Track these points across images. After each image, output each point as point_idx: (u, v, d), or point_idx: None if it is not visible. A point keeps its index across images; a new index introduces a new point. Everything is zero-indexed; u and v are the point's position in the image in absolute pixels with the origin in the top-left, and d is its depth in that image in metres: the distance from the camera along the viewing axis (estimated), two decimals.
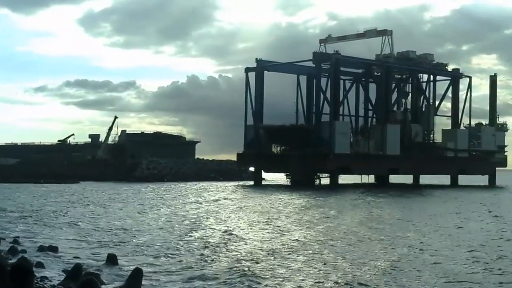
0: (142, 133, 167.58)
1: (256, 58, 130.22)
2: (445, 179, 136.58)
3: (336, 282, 22.92)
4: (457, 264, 27.59)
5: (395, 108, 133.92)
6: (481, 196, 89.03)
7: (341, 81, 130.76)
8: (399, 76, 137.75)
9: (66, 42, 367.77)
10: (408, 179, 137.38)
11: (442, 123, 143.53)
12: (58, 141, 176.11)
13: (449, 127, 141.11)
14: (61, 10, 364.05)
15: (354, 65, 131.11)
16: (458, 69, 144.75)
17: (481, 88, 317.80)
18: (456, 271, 25.79)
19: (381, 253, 30.13)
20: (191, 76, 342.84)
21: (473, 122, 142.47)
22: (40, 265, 23.36)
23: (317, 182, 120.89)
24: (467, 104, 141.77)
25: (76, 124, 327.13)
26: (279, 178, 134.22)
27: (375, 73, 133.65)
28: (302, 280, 23.44)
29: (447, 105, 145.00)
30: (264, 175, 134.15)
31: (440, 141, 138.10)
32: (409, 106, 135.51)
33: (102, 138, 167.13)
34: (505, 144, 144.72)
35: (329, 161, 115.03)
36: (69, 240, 34.01)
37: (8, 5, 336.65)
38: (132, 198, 76.63)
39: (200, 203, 66.78)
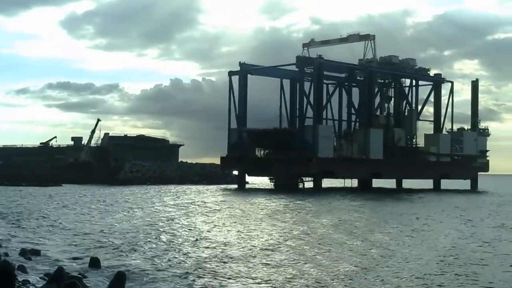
0: (125, 136, 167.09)
1: (240, 62, 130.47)
2: (428, 184, 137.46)
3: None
4: (426, 267, 27.94)
5: (378, 113, 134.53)
6: (461, 200, 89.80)
7: (324, 85, 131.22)
8: (382, 81, 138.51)
9: (48, 44, 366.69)
10: (391, 183, 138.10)
11: (424, 127, 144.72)
12: (40, 143, 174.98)
13: (432, 132, 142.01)
14: (43, 12, 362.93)
15: (337, 69, 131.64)
16: (440, 74, 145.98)
17: (463, 93, 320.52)
18: (425, 273, 26.10)
19: (349, 256, 30.48)
20: (175, 79, 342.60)
21: (455, 127, 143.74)
22: (22, 268, 23.26)
23: (300, 185, 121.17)
24: (449, 109, 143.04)
25: (58, 126, 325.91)
26: (263, 181, 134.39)
27: (358, 78, 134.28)
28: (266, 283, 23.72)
29: (429, 109, 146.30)
30: (248, 178, 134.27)
31: (423, 145, 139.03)
32: (392, 111, 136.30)
33: (84, 141, 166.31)
34: (487, 149, 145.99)
35: (313, 164, 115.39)
36: (52, 244, 33.91)
37: None
38: (114, 201, 76.32)
39: (181, 206, 66.70)
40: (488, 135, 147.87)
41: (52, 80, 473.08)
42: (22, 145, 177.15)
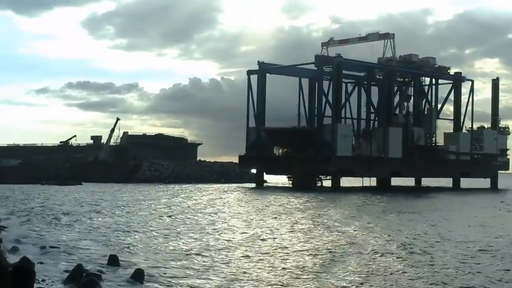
0: (144, 135, 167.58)
1: (258, 61, 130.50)
2: (447, 182, 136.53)
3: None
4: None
5: (397, 111, 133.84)
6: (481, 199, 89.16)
7: (343, 84, 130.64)
8: (401, 80, 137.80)
9: (69, 44, 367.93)
10: (410, 182, 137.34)
11: (444, 126, 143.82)
12: (60, 142, 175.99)
13: (451, 131, 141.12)
14: (64, 13, 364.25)
15: (356, 68, 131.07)
16: (460, 73, 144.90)
17: (484, 92, 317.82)
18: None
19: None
20: (194, 79, 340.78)
21: (475, 126, 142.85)
22: (42, 265, 23.42)
23: (319, 184, 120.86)
24: (469, 108, 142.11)
25: (78, 125, 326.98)
26: (281, 180, 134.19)
27: (377, 77, 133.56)
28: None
29: (449, 108, 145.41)
30: (266, 177, 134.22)
31: (442, 144, 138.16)
32: (411, 110, 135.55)
33: (104, 140, 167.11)
34: (507, 147, 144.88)
35: (331, 163, 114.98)
36: (71, 241, 34.05)
37: (11, 7, 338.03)
38: (133, 199, 76.60)
39: (200, 206, 66.81)
40: (509, 133, 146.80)
41: (72, 80, 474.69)
42: (42, 144, 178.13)
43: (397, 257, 29.62)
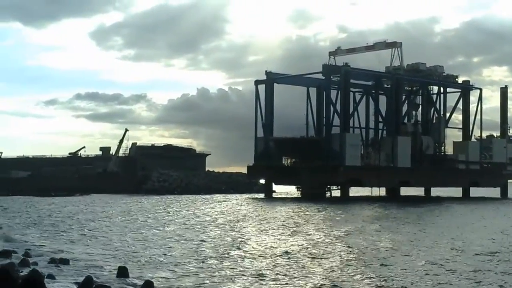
0: (153, 145, 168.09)
1: (266, 71, 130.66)
2: (457, 192, 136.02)
3: None
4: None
5: (405, 120, 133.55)
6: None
7: (351, 93, 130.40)
8: (409, 88, 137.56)
9: (77, 55, 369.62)
10: (419, 191, 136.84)
11: (453, 135, 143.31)
12: (69, 154, 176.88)
13: (460, 139, 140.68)
14: (72, 24, 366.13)
15: (364, 77, 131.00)
16: (468, 81, 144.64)
17: (492, 100, 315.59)
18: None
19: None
20: (201, 89, 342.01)
21: (484, 134, 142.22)
22: (51, 277, 23.45)
23: (327, 194, 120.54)
24: (478, 116, 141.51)
25: (87, 137, 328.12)
26: (290, 190, 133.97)
27: (385, 85, 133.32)
28: None
29: (458, 117, 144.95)
30: (275, 187, 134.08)
31: (451, 153, 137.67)
32: (419, 118, 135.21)
33: (113, 151, 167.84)
34: None
35: (340, 173, 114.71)
36: (80, 253, 34.08)
37: (20, 19, 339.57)
38: (142, 210, 76.66)
39: (208, 216, 66.79)
40: None
41: (80, 91, 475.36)
42: (51, 155, 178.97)
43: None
